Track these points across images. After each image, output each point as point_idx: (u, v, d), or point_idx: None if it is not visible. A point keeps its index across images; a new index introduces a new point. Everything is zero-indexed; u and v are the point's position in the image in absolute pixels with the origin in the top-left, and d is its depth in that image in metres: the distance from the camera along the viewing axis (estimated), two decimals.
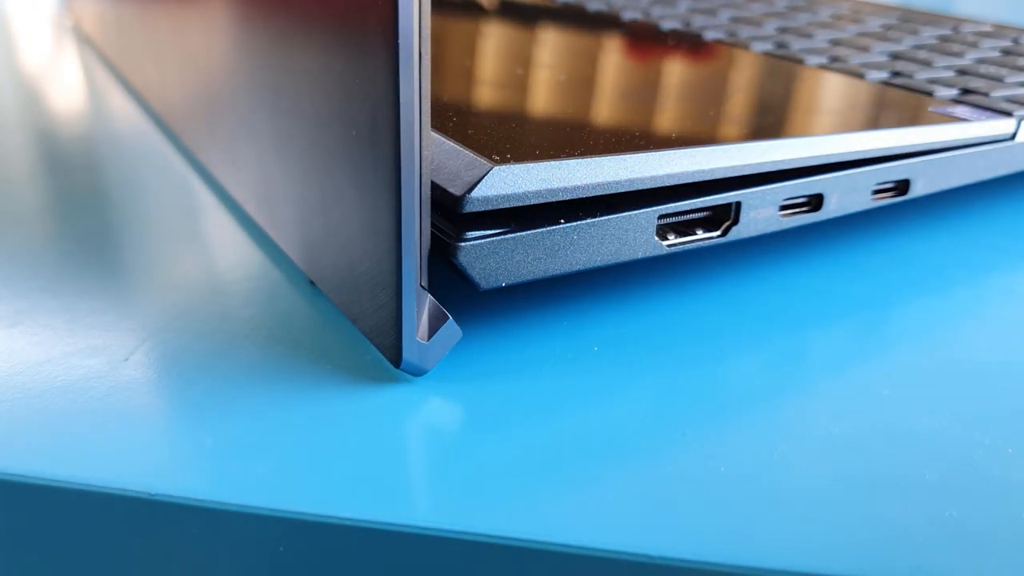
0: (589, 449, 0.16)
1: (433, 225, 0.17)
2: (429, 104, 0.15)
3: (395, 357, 0.17)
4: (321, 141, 0.18)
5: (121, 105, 0.35)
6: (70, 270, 0.22)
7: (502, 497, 0.14)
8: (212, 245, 0.23)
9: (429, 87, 0.15)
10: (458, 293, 0.20)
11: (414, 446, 0.16)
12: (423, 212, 0.16)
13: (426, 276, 0.16)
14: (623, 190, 0.18)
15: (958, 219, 0.27)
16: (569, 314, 0.20)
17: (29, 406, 0.16)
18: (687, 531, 0.14)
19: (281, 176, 0.20)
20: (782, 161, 0.21)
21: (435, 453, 0.15)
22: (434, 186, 0.17)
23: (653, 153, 0.19)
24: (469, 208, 0.17)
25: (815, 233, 0.25)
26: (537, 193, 0.17)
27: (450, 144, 0.18)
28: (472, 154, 0.18)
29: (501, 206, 0.17)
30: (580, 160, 0.18)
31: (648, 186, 0.19)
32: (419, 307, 0.16)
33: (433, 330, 0.17)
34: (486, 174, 0.17)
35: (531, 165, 0.17)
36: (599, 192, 0.18)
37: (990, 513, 0.14)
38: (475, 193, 0.17)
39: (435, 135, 0.19)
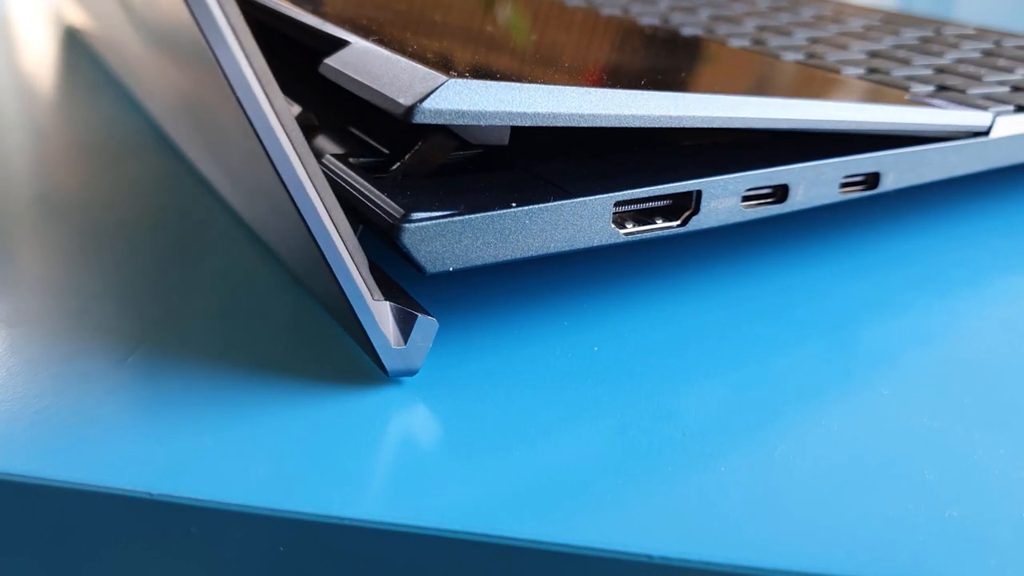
0: (588, 448, 0.16)
1: (377, 205, 0.17)
2: (301, 136, 0.14)
3: (381, 365, 0.17)
4: (248, 162, 0.17)
5: (119, 105, 0.35)
6: (70, 270, 0.22)
7: (501, 496, 0.14)
8: (210, 246, 0.23)
9: (289, 111, 0.14)
10: (457, 290, 0.20)
11: (413, 446, 0.16)
12: (343, 233, 0.15)
13: (376, 289, 0.16)
14: (584, 124, 0.17)
15: (953, 219, 0.27)
16: (569, 313, 0.20)
17: (29, 406, 0.16)
18: (687, 531, 0.14)
19: (249, 187, 0.20)
20: (747, 119, 0.19)
21: (434, 453, 0.16)
22: (382, 98, 0.16)
23: (619, 91, 0.18)
24: (419, 119, 0.16)
25: (813, 232, 0.25)
26: (493, 114, 0.16)
27: (406, 62, 0.17)
28: (427, 69, 0.17)
29: (454, 122, 0.16)
30: (542, 86, 0.17)
31: (611, 124, 0.18)
32: (382, 318, 0.16)
33: (406, 333, 0.16)
34: (440, 86, 0.16)
35: (489, 83, 0.16)
36: (559, 123, 0.17)
37: (990, 513, 0.14)
38: (427, 104, 0.16)
39: (392, 55, 0.18)
